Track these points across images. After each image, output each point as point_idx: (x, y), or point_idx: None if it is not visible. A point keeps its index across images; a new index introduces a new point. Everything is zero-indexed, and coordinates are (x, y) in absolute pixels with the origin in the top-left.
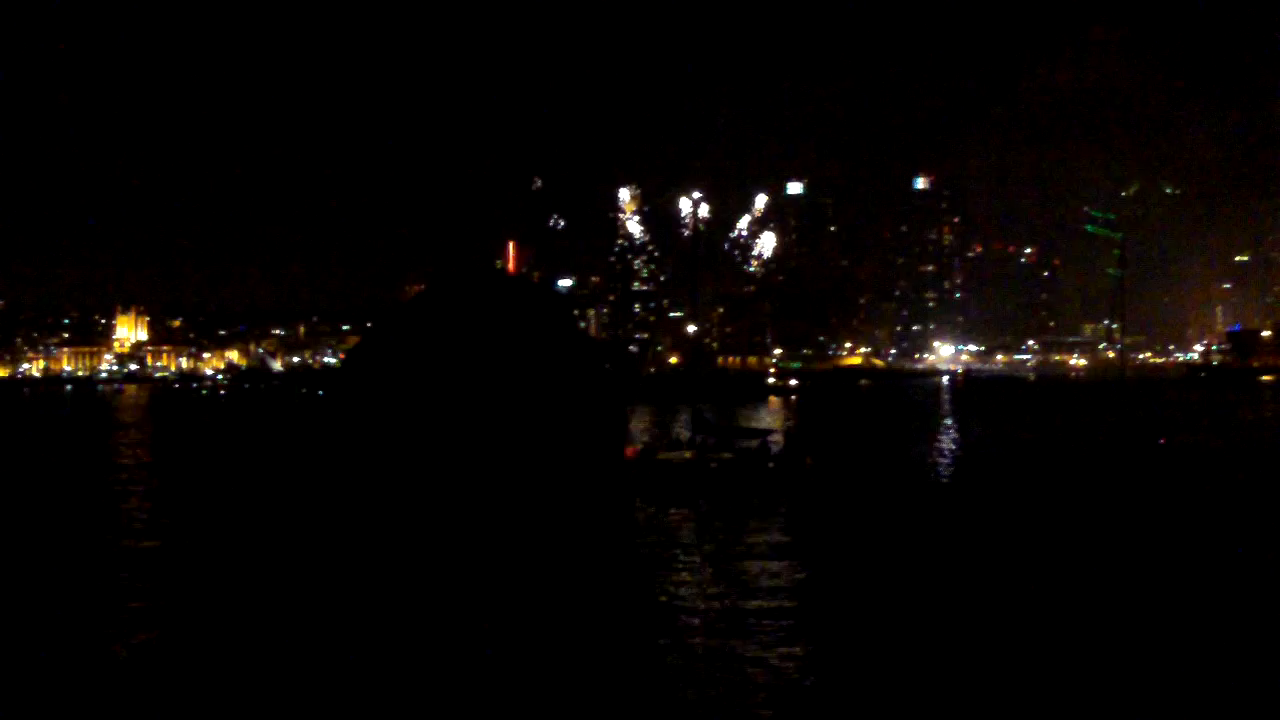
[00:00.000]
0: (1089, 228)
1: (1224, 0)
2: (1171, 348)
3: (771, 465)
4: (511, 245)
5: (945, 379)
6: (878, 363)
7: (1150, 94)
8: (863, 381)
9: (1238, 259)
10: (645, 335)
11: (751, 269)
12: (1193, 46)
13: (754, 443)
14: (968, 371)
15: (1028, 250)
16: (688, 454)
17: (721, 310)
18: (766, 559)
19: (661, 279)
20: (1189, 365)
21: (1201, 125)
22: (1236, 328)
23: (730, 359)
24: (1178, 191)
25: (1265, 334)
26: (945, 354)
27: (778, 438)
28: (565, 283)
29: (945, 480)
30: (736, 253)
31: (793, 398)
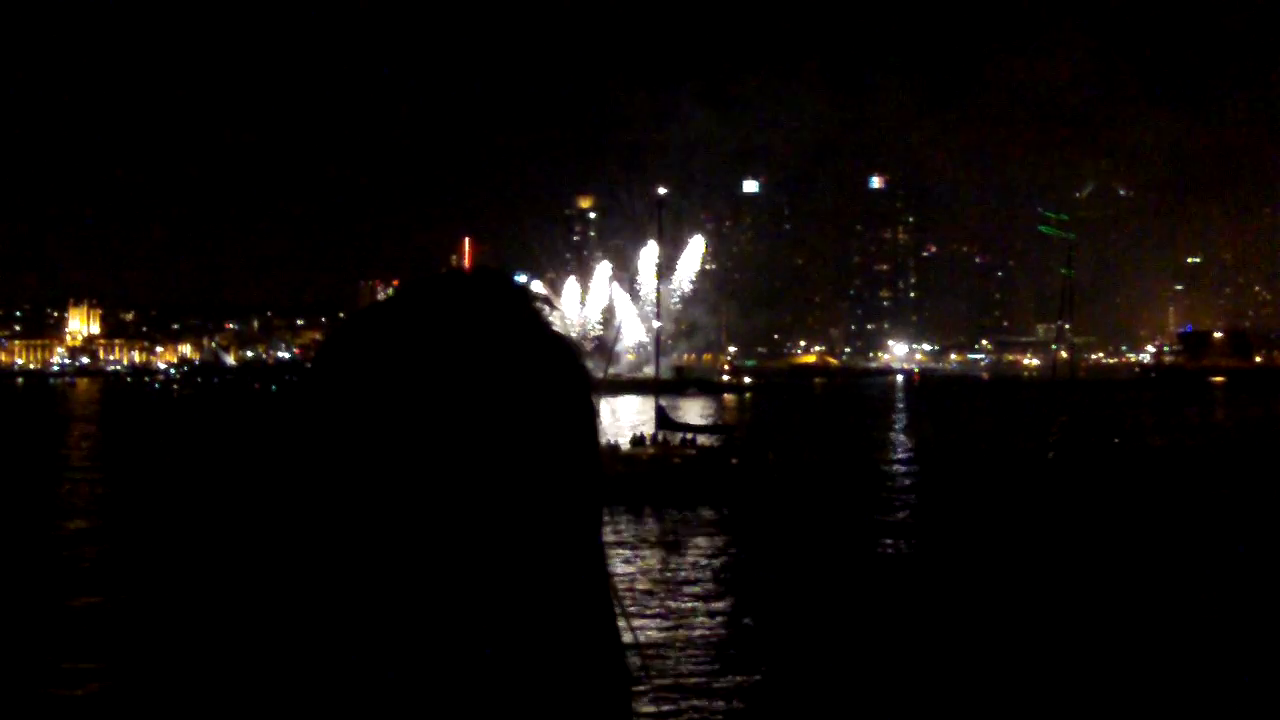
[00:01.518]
0: (1042, 228)
1: (1181, 5)
2: (1124, 348)
3: (735, 461)
4: (467, 241)
5: (899, 377)
6: (832, 361)
7: (1105, 97)
8: (817, 380)
9: (1190, 260)
10: (601, 332)
11: (708, 266)
12: (1148, 50)
13: (715, 439)
14: (922, 371)
15: (981, 250)
16: (651, 450)
17: (678, 307)
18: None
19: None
20: (1141, 366)
21: (1155, 128)
22: (1188, 329)
23: (686, 356)
24: (1131, 193)
25: (1217, 335)
26: (899, 352)
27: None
28: (520, 279)
29: (904, 481)
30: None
31: (747, 395)
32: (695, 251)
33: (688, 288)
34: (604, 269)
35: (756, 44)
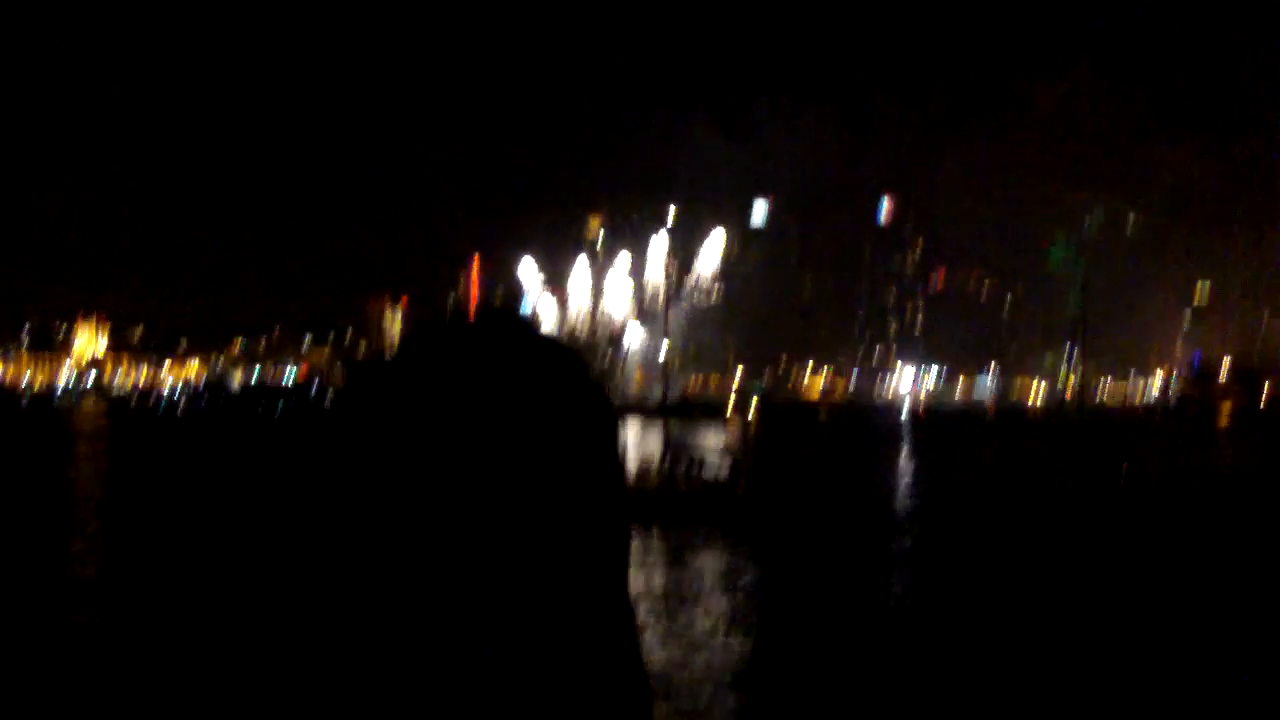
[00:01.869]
0: (1051, 264)
1: (1196, 39)
2: (1133, 371)
3: (741, 488)
4: (476, 258)
5: (905, 411)
6: (838, 391)
7: (1117, 125)
8: (824, 411)
9: (1200, 285)
10: (611, 348)
11: (715, 294)
12: (1164, 82)
13: (721, 466)
14: (928, 405)
15: (991, 275)
16: (658, 478)
17: (684, 331)
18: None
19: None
20: (1147, 408)
21: (1169, 157)
22: (1197, 362)
23: (693, 377)
24: (1142, 218)
25: (1224, 368)
26: (907, 375)
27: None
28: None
29: (910, 508)
30: (698, 280)
31: (753, 423)
32: (715, 246)
33: (707, 284)
34: (621, 265)
35: (767, 73)
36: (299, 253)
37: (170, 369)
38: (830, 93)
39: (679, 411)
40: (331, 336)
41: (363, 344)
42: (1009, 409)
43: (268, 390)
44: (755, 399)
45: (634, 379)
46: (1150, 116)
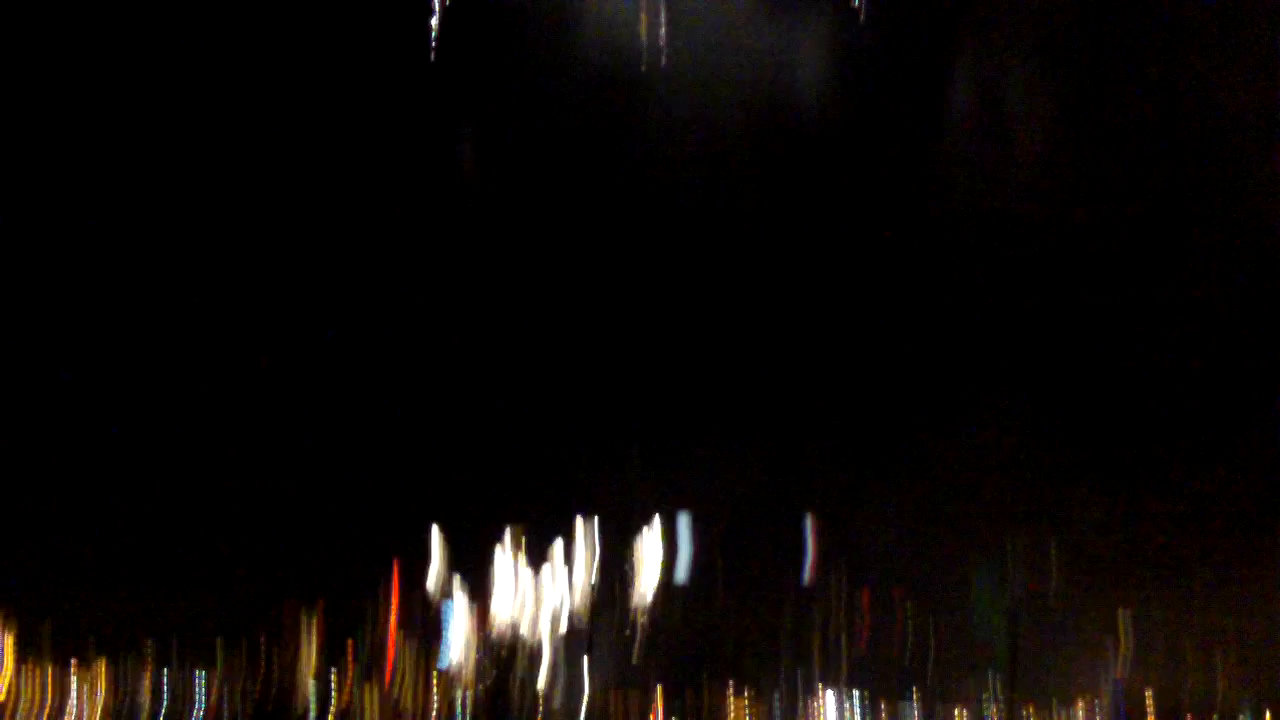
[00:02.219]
0: (976, 609)
1: (1122, 379)
2: (1055, 700)
3: None
4: (396, 564)
5: None
6: None
7: (1043, 463)
8: None
9: (1121, 617)
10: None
11: (636, 613)
12: (1091, 421)
13: None
14: None
15: (914, 599)
16: None
17: (604, 646)
18: None
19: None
20: None
21: (1095, 492)
22: (1120, 709)
23: (611, 698)
24: (1065, 555)
25: (1148, 702)
26: (830, 701)
27: None
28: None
29: None
30: (619, 598)
31: None
32: (638, 565)
33: (628, 603)
34: (542, 577)
35: (693, 403)
36: (213, 549)
37: (76, 672)
38: (755, 422)
39: None
40: (244, 639)
41: (275, 652)
42: None
43: None
44: None
45: (552, 695)
46: (1076, 453)
